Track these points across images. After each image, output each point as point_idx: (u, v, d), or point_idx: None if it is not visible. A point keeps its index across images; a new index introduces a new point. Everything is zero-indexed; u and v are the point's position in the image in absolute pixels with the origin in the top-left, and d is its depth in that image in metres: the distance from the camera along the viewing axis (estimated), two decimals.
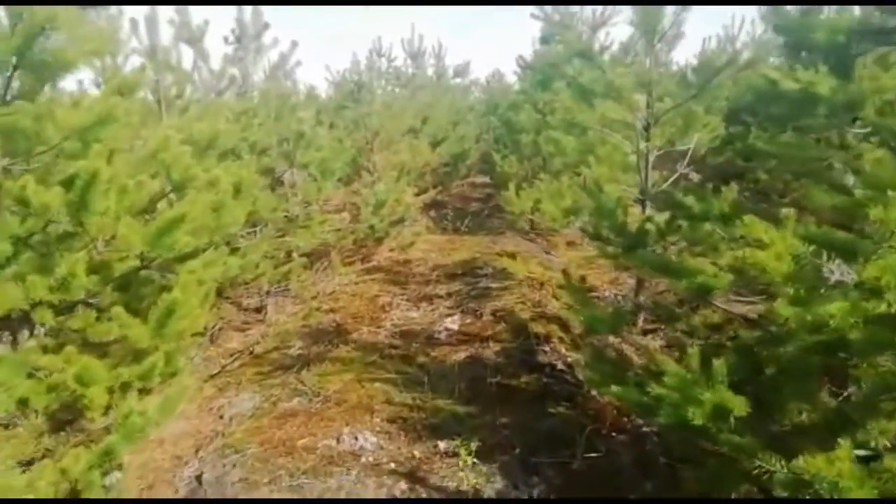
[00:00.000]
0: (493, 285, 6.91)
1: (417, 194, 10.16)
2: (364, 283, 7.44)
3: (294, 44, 7.25)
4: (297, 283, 6.56)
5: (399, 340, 5.54)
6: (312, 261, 7.88)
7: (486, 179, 17.85)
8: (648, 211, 5.84)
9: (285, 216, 7.04)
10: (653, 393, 2.73)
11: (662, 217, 4.63)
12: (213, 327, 5.77)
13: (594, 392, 4.51)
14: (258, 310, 6.96)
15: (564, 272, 3.91)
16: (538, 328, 5.61)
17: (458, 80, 21.40)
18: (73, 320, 3.32)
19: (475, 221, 11.56)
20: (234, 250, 5.98)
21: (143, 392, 3.24)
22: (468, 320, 5.96)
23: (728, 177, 8.49)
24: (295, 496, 3.28)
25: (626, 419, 4.19)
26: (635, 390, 2.77)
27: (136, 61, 5.91)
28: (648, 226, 4.12)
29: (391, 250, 8.97)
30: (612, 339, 5.16)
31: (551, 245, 9.63)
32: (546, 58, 11.13)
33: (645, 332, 5.89)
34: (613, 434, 4.02)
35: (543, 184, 9.61)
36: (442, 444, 3.78)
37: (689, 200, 3.85)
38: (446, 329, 5.82)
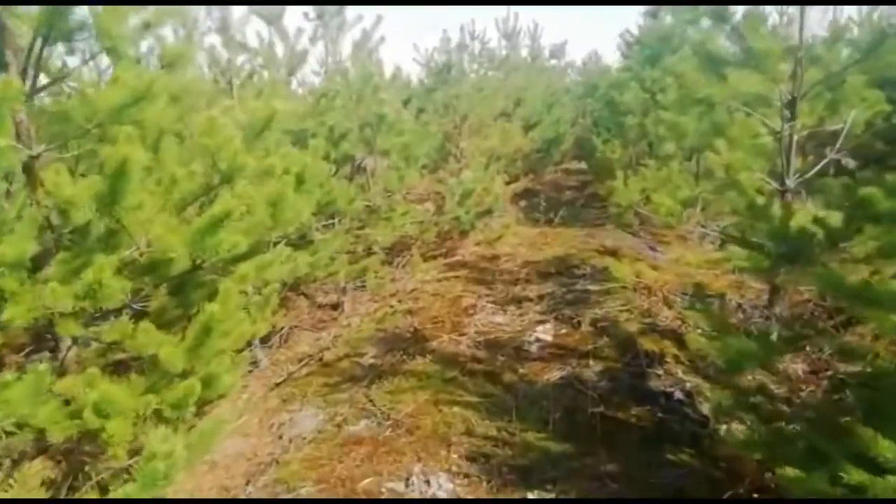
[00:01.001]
0: (593, 288, 6.05)
1: (508, 182, 9.40)
2: (447, 281, 6.81)
3: (379, 18, 6.70)
4: (375, 280, 6.04)
5: (483, 352, 4.85)
6: (393, 255, 7.37)
7: (581, 165, 16.68)
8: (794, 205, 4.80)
9: (367, 205, 6.54)
10: (849, 481, 1.87)
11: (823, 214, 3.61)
12: (282, 329, 5.36)
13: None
14: (335, 307, 6.54)
15: (697, 287, 3.04)
16: (649, 344, 4.72)
17: (553, 61, 20.27)
18: (111, 331, 2.89)
19: (570, 212, 10.62)
20: (308, 244, 5.54)
21: (182, 421, 2.77)
22: (563, 330, 5.16)
23: (867, 162, 7.06)
24: None
25: (773, 474, 3.28)
26: (820, 477, 1.91)
27: (214, 41, 5.58)
28: (811, 227, 3.14)
29: (477, 244, 8.29)
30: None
31: (658, 240, 8.55)
32: (655, 31, 9.95)
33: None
34: (756, 495, 3.13)
35: (650, 171, 8.56)
36: (532, 497, 3.06)
37: (874, 193, 2.85)
38: (538, 339, 5.06)
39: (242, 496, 3.15)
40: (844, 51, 6.52)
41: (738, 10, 4.62)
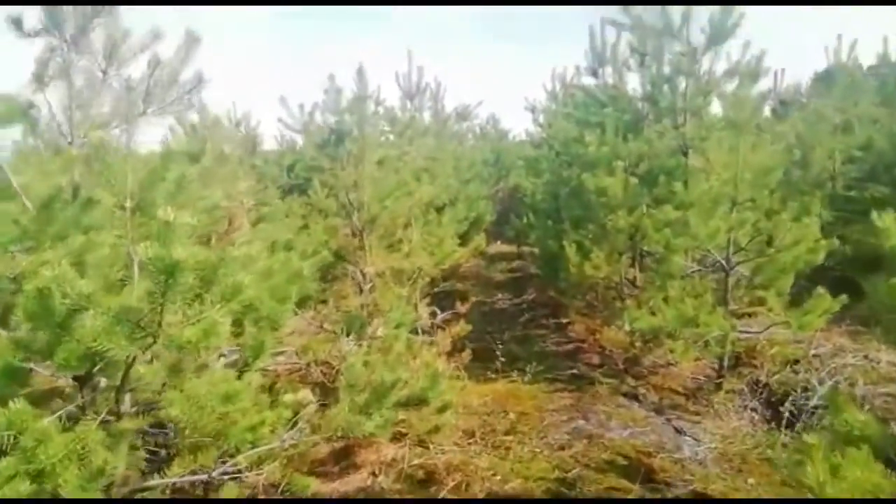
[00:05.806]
0: None
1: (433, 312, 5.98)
2: None
3: (192, 38, 3.15)
4: None
5: None
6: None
7: (503, 248, 13.87)
8: None
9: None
10: None
11: None
12: None
13: None
14: None
15: None
16: None
17: (457, 126, 17.50)
18: None
19: (515, 334, 7.41)
20: None
21: None
22: None
23: None
24: None
25: None
26: None
27: None
28: None
29: (396, 439, 4.71)
30: None
31: (669, 404, 5.47)
32: (622, 91, 7.24)
33: None
34: None
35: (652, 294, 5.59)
36: None
37: None
38: None
39: None
40: None
41: None
